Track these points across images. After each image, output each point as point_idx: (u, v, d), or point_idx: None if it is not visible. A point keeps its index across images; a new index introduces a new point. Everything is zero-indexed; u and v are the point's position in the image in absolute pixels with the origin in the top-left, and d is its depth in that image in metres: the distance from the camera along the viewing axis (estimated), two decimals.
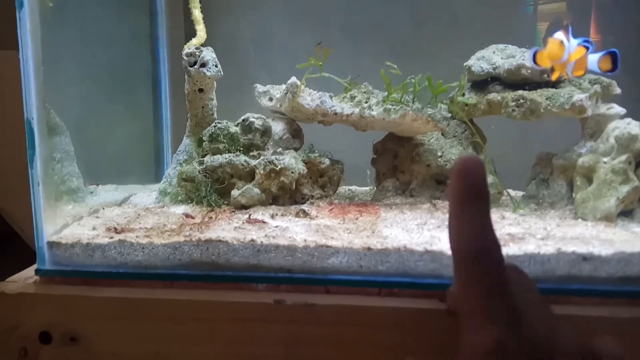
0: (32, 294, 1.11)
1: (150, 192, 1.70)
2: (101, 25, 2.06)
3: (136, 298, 1.08)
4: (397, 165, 1.61)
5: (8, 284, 1.14)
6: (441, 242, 1.13)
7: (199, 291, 1.09)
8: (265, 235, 1.13)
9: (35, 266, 1.20)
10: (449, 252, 1.07)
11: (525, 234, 1.18)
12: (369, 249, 1.08)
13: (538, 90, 1.43)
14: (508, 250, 1.07)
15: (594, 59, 1.27)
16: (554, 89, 1.43)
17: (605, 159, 1.34)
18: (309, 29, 1.88)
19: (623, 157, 1.30)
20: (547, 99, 1.41)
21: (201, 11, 1.48)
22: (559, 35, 1.27)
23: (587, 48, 1.26)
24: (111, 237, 1.16)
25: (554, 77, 1.34)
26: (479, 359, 0.64)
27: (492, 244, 0.69)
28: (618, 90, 1.45)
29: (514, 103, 1.40)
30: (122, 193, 1.74)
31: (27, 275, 1.19)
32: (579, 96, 1.36)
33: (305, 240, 1.10)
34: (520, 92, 1.42)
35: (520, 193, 1.61)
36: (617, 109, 1.43)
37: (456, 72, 1.57)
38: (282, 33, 1.94)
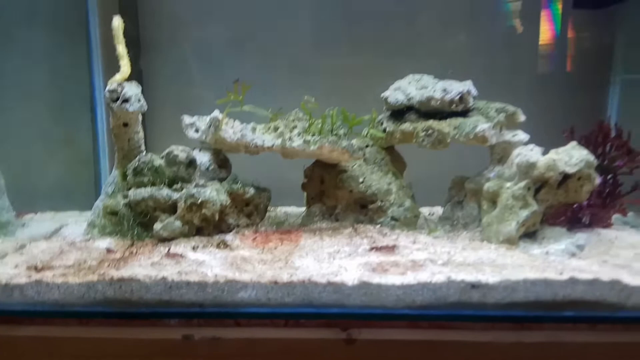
0: None
1: (83, 222, 1.72)
2: (39, 53, 2.08)
3: (52, 337, 1.12)
4: (324, 191, 1.68)
5: None
6: (347, 271, 1.20)
7: (112, 328, 1.13)
8: (178, 272, 1.18)
9: None
10: (350, 283, 1.14)
11: (427, 260, 1.26)
12: (275, 282, 1.14)
13: (448, 119, 1.52)
14: (403, 279, 1.14)
15: None
16: (462, 118, 1.51)
17: (508, 184, 1.43)
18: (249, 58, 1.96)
19: (522, 184, 1.39)
20: (454, 128, 1.49)
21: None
22: None
23: None
24: (29, 277, 1.19)
25: None
26: None
27: None
28: (523, 118, 1.54)
29: (423, 133, 1.48)
30: (55, 223, 1.75)
31: None
32: (482, 126, 1.45)
33: (215, 276, 1.16)
34: (430, 122, 1.51)
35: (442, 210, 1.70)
36: (521, 135, 1.53)
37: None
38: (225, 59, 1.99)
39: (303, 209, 1.89)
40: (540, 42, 2.06)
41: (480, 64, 2.01)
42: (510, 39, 2.05)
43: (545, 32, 2.06)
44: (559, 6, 2.03)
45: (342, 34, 1.99)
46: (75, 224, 1.72)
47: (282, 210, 1.91)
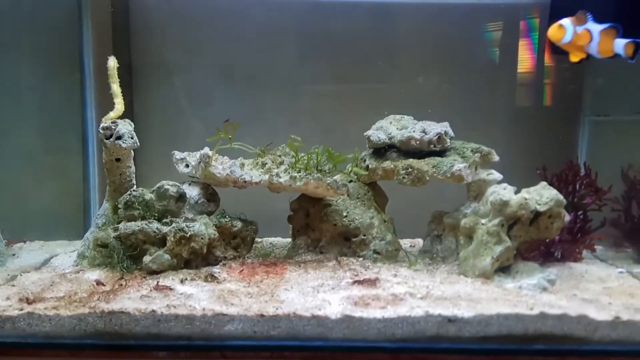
0: None
1: (72, 252, 1.75)
2: (31, 83, 2.14)
3: None
4: (309, 224, 1.74)
5: None
6: (330, 305, 1.25)
7: None
8: (167, 305, 1.22)
9: None
10: (333, 317, 1.19)
11: (407, 293, 1.32)
12: (261, 316, 1.19)
13: (427, 158, 1.60)
14: (384, 313, 1.19)
15: (621, 44, 1.42)
16: (440, 158, 1.60)
17: (483, 221, 1.50)
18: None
19: (496, 221, 1.46)
20: (433, 167, 1.57)
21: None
22: (563, 20, 1.43)
23: (618, 31, 1.40)
24: (21, 309, 1.23)
25: (572, 58, 1.49)
26: None
27: None
28: (496, 158, 1.63)
29: (404, 171, 1.56)
30: (45, 253, 1.79)
31: None
32: (458, 166, 1.53)
33: (203, 309, 1.20)
34: (410, 161, 1.59)
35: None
36: (495, 174, 1.62)
37: None
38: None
39: (288, 239, 1.94)
40: (518, 82, 2.18)
41: (458, 100, 2.13)
42: (486, 80, 2.17)
43: (522, 74, 2.18)
44: (537, 46, 2.15)
45: (328, 74, 2.10)
46: (64, 254, 1.76)
47: (268, 241, 1.97)
